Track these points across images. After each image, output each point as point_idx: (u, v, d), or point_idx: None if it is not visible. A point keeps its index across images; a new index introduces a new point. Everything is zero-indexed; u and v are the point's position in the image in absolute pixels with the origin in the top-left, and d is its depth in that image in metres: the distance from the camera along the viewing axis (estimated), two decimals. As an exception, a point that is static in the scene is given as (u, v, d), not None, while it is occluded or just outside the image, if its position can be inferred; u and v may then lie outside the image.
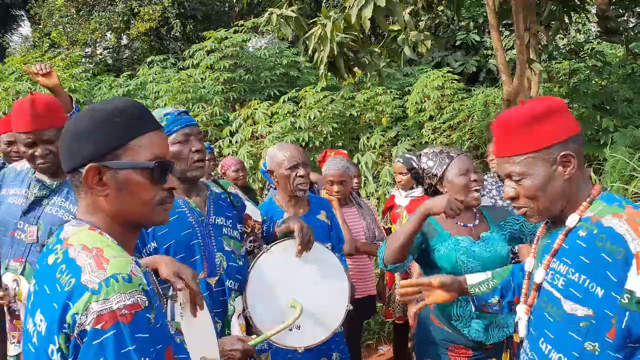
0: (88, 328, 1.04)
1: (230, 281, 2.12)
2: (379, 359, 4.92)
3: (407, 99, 9.95)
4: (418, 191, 4.00)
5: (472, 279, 2.06)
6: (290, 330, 2.17)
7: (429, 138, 9.08)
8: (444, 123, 9.37)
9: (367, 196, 7.13)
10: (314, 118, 8.06)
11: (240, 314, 2.17)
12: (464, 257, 2.42)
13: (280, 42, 11.73)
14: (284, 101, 8.61)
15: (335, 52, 5.48)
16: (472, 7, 13.03)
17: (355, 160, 7.28)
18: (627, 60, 7.95)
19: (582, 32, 11.87)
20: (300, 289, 2.21)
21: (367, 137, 8.16)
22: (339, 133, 8.61)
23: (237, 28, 9.98)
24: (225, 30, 9.77)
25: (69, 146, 1.22)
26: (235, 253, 2.17)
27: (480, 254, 2.43)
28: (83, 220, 1.24)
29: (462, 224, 2.53)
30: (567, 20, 7.40)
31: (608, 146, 6.21)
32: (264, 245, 2.31)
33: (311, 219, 2.76)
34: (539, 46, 7.67)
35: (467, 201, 2.48)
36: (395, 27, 6.09)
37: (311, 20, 6.30)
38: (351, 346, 4.14)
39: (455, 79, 9.95)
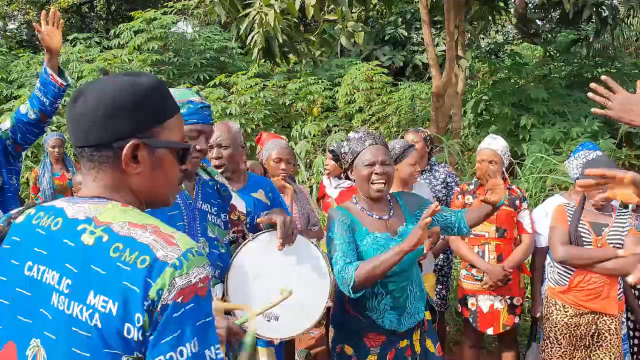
0: (170, 302, 1.05)
1: (211, 268, 2.08)
2: (310, 342, 4.99)
3: (338, 90, 10.07)
4: (347, 182, 4.06)
5: None
6: (269, 321, 2.16)
7: (357, 127, 9.26)
8: (372, 115, 9.58)
9: (302, 183, 7.18)
10: (244, 104, 7.98)
11: (228, 315, 2.10)
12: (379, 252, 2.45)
13: (210, 26, 11.48)
14: (214, 85, 8.47)
15: (271, 35, 5.46)
16: (401, 3, 13.34)
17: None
18: (544, 62, 8.45)
19: (501, 34, 12.46)
20: (282, 280, 2.18)
21: (301, 126, 8.19)
22: (271, 120, 8.59)
23: (166, 9, 9.68)
24: (155, 11, 9.46)
25: (104, 119, 1.15)
26: (218, 240, 2.14)
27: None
28: (103, 198, 1.19)
29: (377, 216, 2.54)
30: (491, 21, 7.77)
31: (526, 142, 6.60)
32: (248, 235, 2.30)
33: (244, 195, 2.77)
34: (465, 44, 8.01)
35: (369, 193, 2.51)
36: (331, 17, 6.17)
37: (246, 2, 6.24)
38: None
39: (384, 73, 10.17)
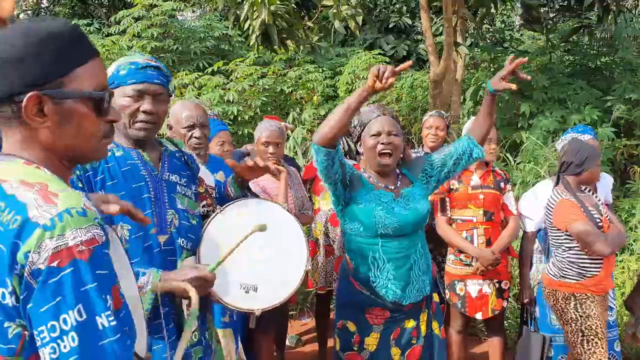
0: (42, 267, 0.97)
1: (182, 240, 2.01)
2: (302, 329, 5.00)
3: (339, 79, 10.02)
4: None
5: None
6: (247, 292, 2.12)
7: (358, 119, 9.20)
8: (373, 103, 9.52)
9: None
10: (242, 91, 7.95)
11: (196, 264, 2.04)
12: (382, 212, 2.45)
13: (212, 13, 11.43)
14: (212, 72, 8.43)
15: (269, 21, 5.42)
16: (405, -10, 13.25)
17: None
18: (545, 50, 8.35)
19: (506, 24, 12.34)
20: (256, 250, 2.13)
21: (298, 113, 8.15)
22: (269, 108, 8.55)
23: (166, -4, 9.64)
24: (154, -3, 9.42)
25: (2, 69, 1.07)
26: (188, 212, 2.07)
27: (399, 211, 2.46)
28: (12, 155, 1.11)
29: (383, 185, 2.56)
30: (492, 9, 7.66)
31: (525, 130, 6.54)
32: (217, 207, 2.23)
33: None
34: (466, 32, 7.92)
35: (376, 165, 2.52)
36: (329, 2, 6.11)
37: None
38: (278, 318, 4.20)
39: (386, 61, 10.11)
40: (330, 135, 2.29)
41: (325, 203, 4.03)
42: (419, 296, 2.53)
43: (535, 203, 3.51)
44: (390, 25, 13.57)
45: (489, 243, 3.48)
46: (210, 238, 2.11)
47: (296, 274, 2.20)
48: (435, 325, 2.64)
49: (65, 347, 0.97)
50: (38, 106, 1.08)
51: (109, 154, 1.91)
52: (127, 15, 9.34)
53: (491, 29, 9.20)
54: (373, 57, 10.02)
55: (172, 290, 1.83)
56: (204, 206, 2.26)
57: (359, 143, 2.61)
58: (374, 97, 7.52)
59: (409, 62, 2.29)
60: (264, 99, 8.19)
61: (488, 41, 10.43)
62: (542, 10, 7.81)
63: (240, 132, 7.84)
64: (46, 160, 1.12)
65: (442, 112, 4.11)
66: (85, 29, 10.11)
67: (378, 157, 2.51)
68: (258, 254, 2.13)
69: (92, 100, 1.14)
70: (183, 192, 2.09)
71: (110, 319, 1.01)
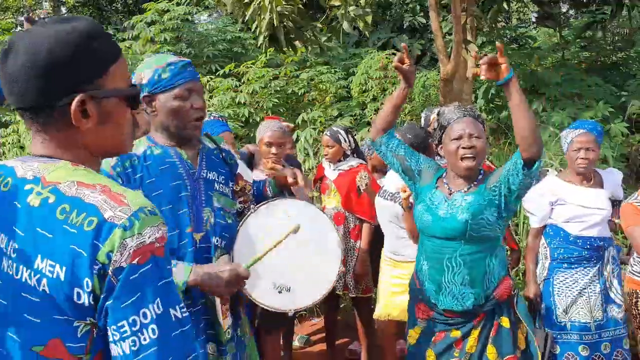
0: (124, 265, 1.00)
1: (217, 238, 2.03)
2: (311, 329, 5.00)
3: (352, 80, 10.01)
4: (346, 164, 4.03)
5: None
6: (280, 292, 2.13)
7: (371, 118, 9.19)
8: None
9: (307, 172, 7.17)
10: (253, 93, 8.00)
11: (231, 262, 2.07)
12: (423, 209, 2.47)
13: (225, 17, 11.53)
14: (223, 75, 8.50)
15: (276, 23, 5.44)
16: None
17: (294, 136, 7.29)
18: (557, 46, 8.25)
19: (522, 21, 12.23)
20: (289, 251, 2.12)
21: (307, 113, 8.18)
22: (281, 110, 8.59)
23: (179, 1, 9.75)
24: (168, 2, 9.53)
25: (41, 76, 1.05)
26: (225, 210, 2.08)
27: (437, 212, 2.41)
28: (51, 157, 1.11)
29: (449, 187, 2.51)
30: (505, 6, 7.61)
31: (538, 127, 6.44)
32: (252, 205, 2.24)
33: None
34: (480, 30, 7.86)
35: (459, 170, 2.43)
36: (337, 2, 6.11)
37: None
38: (281, 318, 4.21)
39: (399, 61, 10.06)
40: (375, 130, 2.56)
41: (330, 202, 4.04)
42: (456, 305, 2.43)
43: (539, 199, 3.47)
44: (405, 25, 13.54)
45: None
46: (244, 236, 2.12)
47: (329, 276, 2.20)
48: (491, 350, 2.43)
49: (145, 339, 1.01)
50: (81, 108, 1.09)
51: (144, 150, 1.98)
52: (141, 21, 9.46)
53: (506, 26, 9.10)
54: (386, 57, 10.00)
55: (198, 284, 1.87)
56: (240, 202, 2.27)
57: (440, 147, 2.55)
58: (385, 98, 7.46)
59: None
60: (276, 100, 8.23)
61: (504, 39, 10.31)
62: (554, 6, 7.71)
63: (251, 134, 7.88)
64: (85, 160, 1.14)
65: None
66: (100, 35, 10.27)
67: (460, 161, 2.40)
68: (293, 255, 2.13)
69: (126, 96, 1.16)
70: (220, 190, 2.09)
71: (183, 310, 1.07)
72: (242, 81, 8.51)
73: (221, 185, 2.10)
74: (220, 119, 3.78)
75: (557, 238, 3.42)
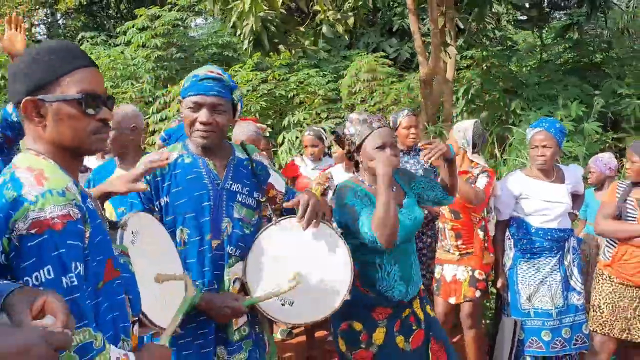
0: (24, 233, 1.23)
1: (231, 247, 2.13)
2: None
3: (341, 82, 10.19)
4: (325, 163, 4.20)
5: None
6: (283, 305, 2.17)
7: (359, 120, 9.33)
8: (373, 105, 9.68)
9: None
10: (242, 96, 8.17)
11: (237, 279, 2.18)
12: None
13: (218, 21, 11.71)
14: (213, 79, 8.66)
15: (255, 27, 5.61)
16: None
17: (280, 138, 7.47)
18: (534, 47, 8.44)
19: (508, 22, 12.41)
20: (300, 266, 2.17)
21: (292, 115, 8.36)
22: (270, 112, 8.77)
23: (170, 6, 9.93)
24: (159, 8, 9.71)
25: (12, 84, 1.38)
26: (244, 220, 2.17)
27: (404, 221, 2.49)
28: (29, 149, 1.39)
29: None
30: (488, 9, 7.77)
31: (516, 126, 6.65)
32: (273, 217, 2.25)
33: None
34: (459, 31, 8.03)
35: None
36: (319, 8, 6.29)
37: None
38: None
39: (388, 64, 10.23)
40: (391, 235, 2.34)
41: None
42: (416, 290, 2.65)
43: (505, 193, 3.65)
44: (394, 28, 13.72)
45: (459, 237, 3.64)
46: (259, 248, 2.21)
47: (335, 297, 2.19)
48: (428, 308, 2.75)
49: None
50: (36, 109, 1.36)
51: (175, 159, 2.13)
52: (132, 27, 9.64)
53: (486, 28, 9.28)
54: (375, 60, 10.18)
55: (203, 309, 2.07)
56: (274, 210, 2.34)
57: (356, 152, 2.60)
58: (373, 100, 7.60)
59: None
60: (263, 103, 8.40)
61: (487, 41, 10.51)
62: (531, 10, 7.90)
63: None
64: (52, 152, 1.39)
65: (411, 109, 4.26)
66: (93, 41, 10.45)
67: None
68: (304, 272, 2.17)
69: (76, 102, 1.37)
70: (242, 201, 2.18)
71: (73, 279, 1.25)
72: (231, 84, 8.68)
73: (244, 196, 2.19)
74: None
75: (520, 230, 3.60)
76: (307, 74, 9.71)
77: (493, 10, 8.03)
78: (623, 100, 6.40)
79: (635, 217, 3.23)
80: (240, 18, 5.75)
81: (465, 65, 9.14)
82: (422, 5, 7.61)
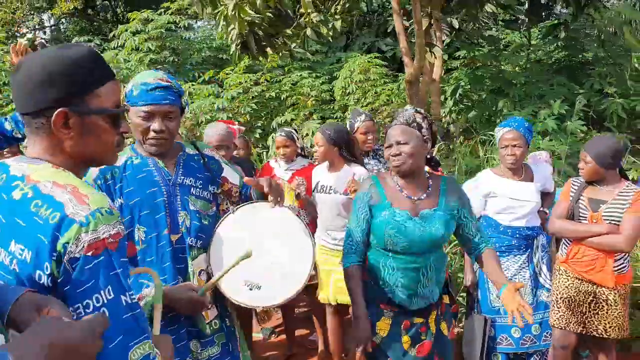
0: (79, 255, 1.18)
1: (192, 239, 2.18)
2: (277, 321, 5.20)
3: (335, 84, 10.25)
4: (298, 164, 4.26)
5: None
6: (251, 290, 2.21)
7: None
8: (366, 106, 9.74)
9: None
10: (232, 99, 8.25)
11: (202, 271, 2.21)
12: (392, 231, 2.49)
13: (209, 24, 11.80)
14: (203, 82, 8.76)
15: (238, 30, 5.67)
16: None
17: (270, 140, 7.53)
18: (520, 47, 8.47)
19: (499, 23, 12.44)
20: (264, 250, 2.22)
21: (280, 117, 8.42)
22: (262, 114, 8.84)
23: (163, 10, 10.02)
24: (152, 12, 9.81)
25: (35, 88, 1.27)
26: (201, 212, 2.22)
27: (412, 231, 2.47)
28: (40, 159, 1.31)
29: (406, 195, 2.56)
30: (478, 9, 7.81)
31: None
32: (230, 207, 2.32)
33: None
34: (453, 32, 8.08)
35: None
36: (308, 10, 6.35)
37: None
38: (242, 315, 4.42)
39: (381, 64, 10.27)
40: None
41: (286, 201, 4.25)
42: (425, 304, 2.60)
43: (474, 192, 3.70)
44: (389, 29, 13.75)
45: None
46: (220, 238, 2.27)
47: (301, 275, 2.23)
48: (443, 326, 2.68)
49: None
50: (64, 120, 1.28)
51: (125, 161, 2.18)
52: (126, 30, 9.73)
53: (483, 28, 9.31)
54: (368, 61, 10.23)
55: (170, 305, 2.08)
56: (227, 204, 2.43)
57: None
58: (366, 101, 7.63)
59: None
60: (254, 105, 8.47)
61: (481, 42, 10.54)
62: (518, 9, 7.94)
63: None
64: (68, 164, 1.32)
65: (368, 114, 4.31)
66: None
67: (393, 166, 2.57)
68: (265, 255, 2.23)
69: (110, 115, 1.35)
70: (197, 194, 2.25)
71: (133, 297, 1.25)
72: (224, 87, 8.77)
73: (198, 189, 2.26)
74: None
75: (489, 228, 3.65)
76: (300, 75, 9.77)
77: (489, 10, 8.03)
78: (606, 99, 6.43)
79: (586, 217, 3.28)
80: (226, 22, 5.81)
81: (456, 65, 9.18)
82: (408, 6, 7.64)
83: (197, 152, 2.34)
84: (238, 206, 2.29)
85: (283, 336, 4.82)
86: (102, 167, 2.12)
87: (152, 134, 2.14)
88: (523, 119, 3.78)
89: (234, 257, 2.16)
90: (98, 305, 1.20)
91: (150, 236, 2.13)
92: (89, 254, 1.19)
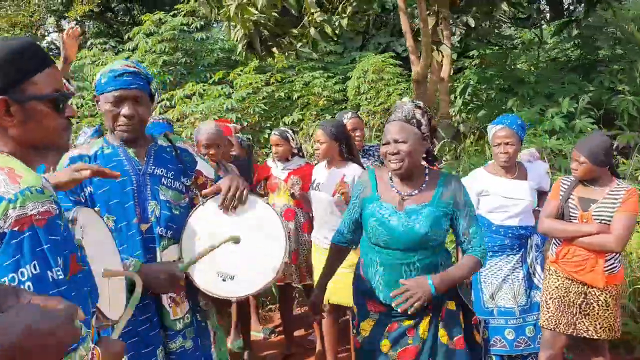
0: (7, 230, 1.22)
1: (161, 228, 2.19)
2: (279, 321, 5.20)
3: (348, 84, 10.24)
4: (294, 164, 4.26)
5: None
6: (225, 281, 2.21)
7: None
8: (378, 105, 9.70)
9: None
10: (242, 99, 8.29)
11: (174, 261, 2.21)
12: (375, 223, 2.47)
13: (220, 26, 11.88)
14: (213, 82, 8.82)
15: (244, 31, 5.70)
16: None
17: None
18: (530, 46, 8.34)
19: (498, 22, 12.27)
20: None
21: (288, 117, 8.44)
22: (271, 115, 8.86)
23: (176, 11, 10.13)
24: (164, 14, 9.92)
25: None
26: (171, 202, 2.23)
27: (395, 226, 2.43)
28: None
29: (396, 190, 2.53)
30: (492, 9, 7.71)
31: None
32: (201, 198, 2.32)
33: None
34: (457, 30, 7.99)
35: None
36: (311, 10, 6.35)
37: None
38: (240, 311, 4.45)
39: (395, 64, 10.21)
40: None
41: (280, 199, 4.26)
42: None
43: (469, 190, 3.64)
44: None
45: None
46: (191, 228, 2.27)
47: (273, 267, 2.22)
48: (442, 333, 2.51)
49: None
50: (5, 107, 1.33)
51: (95, 151, 2.23)
52: (139, 32, 9.86)
53: (483, 27, 9.18)
54: (382, 60, 10.19)
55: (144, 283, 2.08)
56: (203, 197, 2.39)
57: None
58: (378, 100, 7.58)
59: None
60: (263, 105, 8.50)
61: (496, 40, 10.41)
62: (528, 7, 7.81)
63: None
64: (16, 151, 1.37)
65: (355, 112, 4.29)
66: (101, 47, 10.73)
67: (389, 164, 2.49)
68: (237, 246, 2.24)
69: (51, 100, 1.39)
70: (168, 185, 2.27)
71: (59, 273, 1.27)
72: (235, 88, 8.83)
73: (170, 180, 2.28)
74: (163, 121, 4.07)
75: (482, 227, 3.59)
76: (312, 75, 9.78)
77: (505, 8, 7.90)
78: (616, 97, 6.28)
79: (577, 216, 3.20)
80: (231, 22, 5.85)
81: (467, 64, 9.08)
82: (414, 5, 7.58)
83: (169, 144, 2.36)
84: (208, 198, 2.28)
85: (282, 336, 4.82)
86: (72, 156, 2.21)
87: (122, 120, 2.18)
88: (516, 116, 3.71)
89: (206, 247, 2.17)
90: (23, 279, 1.23)
91: (120, 225, 2.15)
92: (16, 229, 1.23)
